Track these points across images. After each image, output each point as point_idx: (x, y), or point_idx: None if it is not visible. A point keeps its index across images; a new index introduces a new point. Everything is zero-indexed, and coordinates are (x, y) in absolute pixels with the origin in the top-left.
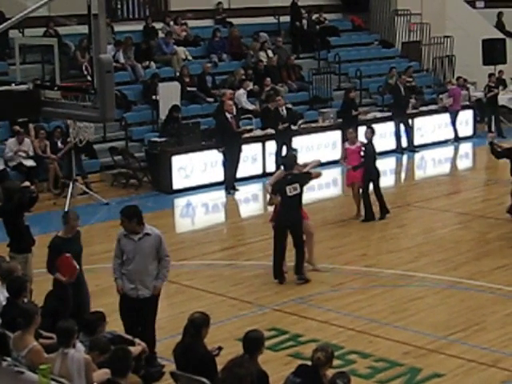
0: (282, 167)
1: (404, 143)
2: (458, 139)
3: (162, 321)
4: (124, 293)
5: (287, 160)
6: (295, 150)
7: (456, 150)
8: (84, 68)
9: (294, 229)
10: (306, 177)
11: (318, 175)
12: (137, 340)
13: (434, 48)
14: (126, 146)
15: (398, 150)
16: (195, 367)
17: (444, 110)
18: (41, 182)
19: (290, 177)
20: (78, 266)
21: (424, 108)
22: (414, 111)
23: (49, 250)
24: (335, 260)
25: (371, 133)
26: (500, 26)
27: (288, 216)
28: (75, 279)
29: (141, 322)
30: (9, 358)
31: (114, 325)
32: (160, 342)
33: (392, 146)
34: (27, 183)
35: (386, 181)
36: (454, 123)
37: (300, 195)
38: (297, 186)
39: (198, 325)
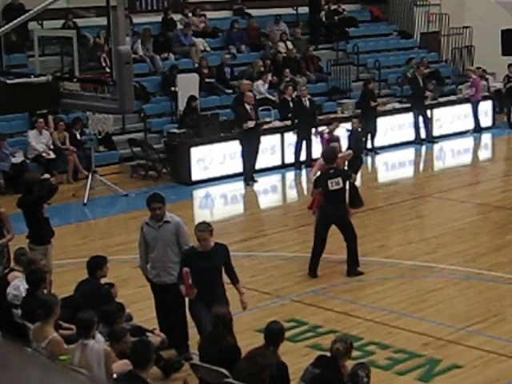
0: (323, 160)
1: (423, 134)
2: (479, 129)
3: None
4: (150, 280)
5: (328, 153)
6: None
7: (475, 140)
8: (103, 60)
9: (340, 223)
10: (345, 172)
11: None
12: (156, 331)
13: (452, 38)
14: (144, 138)
15: (417, 141)
16: (222, 359)
17: (464, 100)
18: (60, 174)
19: (332, 171)
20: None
21: (443, 99)
22: (433, 102)
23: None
24: None
25: (359, 123)
26: None
27: (332, 210)
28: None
29: (168, 310)
30: (29, 349)
31: (134, 316)
32: None
33: (411, 137)
34: (47, 175)
35: (405, 172)
36: (475, 113)
37: (343, 190)
38: (339, 180)
39: (227, 319)
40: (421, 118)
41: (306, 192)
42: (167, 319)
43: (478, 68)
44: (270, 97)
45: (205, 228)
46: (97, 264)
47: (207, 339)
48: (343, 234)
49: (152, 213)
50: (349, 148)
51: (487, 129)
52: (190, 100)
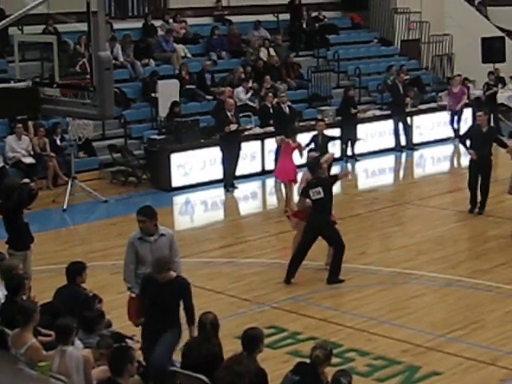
0: (308, 171)
1: (403, 141)
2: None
3: None
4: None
5: (310, 163)
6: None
7: (455, 147)
8: (78, 67)
9: (322, 232)
10: (327, 180)
11: (347, 174)
12: (135, 337)
13: (433, 46)
14: (125, 144)
15: (397, 148)
16: (206, 363)
17: (444, 108)
18: (40, 180)
19: (314, 180)
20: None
21: (423, 106)
22: (414, 109)
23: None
24: None
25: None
26: None
27: (315, 219)
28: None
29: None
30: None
31: (113, 322)
32: None
33: (391, 144)
34: (27, 180)
35: (385, 179)
36: (451, 122)
37: (325, 199)
38: (319, 189)
39: (215, 323)
40: (401, 125)
41: (285, 198)
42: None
43: (459, 76)
44: (251, 103)
45: (164, 265)
46: (76, 270)
47: (191, 344)
48: (329, 244)
49: (139, 225)
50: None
51: None
52: (173, 106)
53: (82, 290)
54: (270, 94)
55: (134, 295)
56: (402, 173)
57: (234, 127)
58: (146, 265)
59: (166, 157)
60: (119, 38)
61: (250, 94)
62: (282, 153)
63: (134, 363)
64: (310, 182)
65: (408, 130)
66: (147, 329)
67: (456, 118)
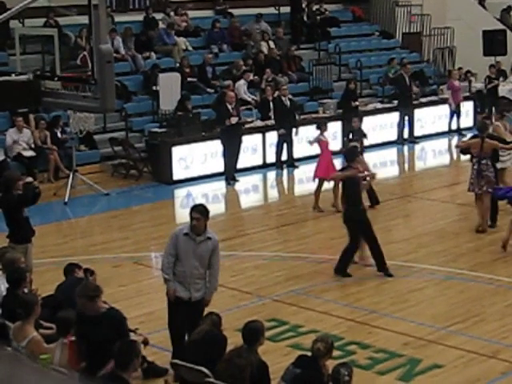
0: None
1: (405, 134)
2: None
3: (162, 311)
4: (176, 296)
5: (348, 151)
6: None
7: (456, 140)
8: (79, 60)
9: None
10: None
11: (373, 176)
12: (138, 330)
13: (434, 39)
14: (126, 137)
15: (399, 141)
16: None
17: (445, 101)
18: (41, 173)
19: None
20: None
21: (424, 99)
22: (415, 102)
23: None
24: (335, 251)
25: (359, 121)
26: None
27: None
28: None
29: (193, 326)
30: (9, 348)
31: None
32: (159, 333)
33: (392, 136)
34: (30, 179)
35: (387, 172)
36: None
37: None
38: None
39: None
40: (406, 118)
41: (287, 192)
42: (184, 336)
43: (460, 69)
44: (248, 98)
45: (92, 293)
46: (74, 267)
47: (195, 336)
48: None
49: (191, 222)
50: (352, 140)
51: (469, 129)
52: (183, 100)
53: (79, 279)
54: (269, 88)
55: (72, 339)
56: (403, 166)
57: (234, 120)
58: (183, 263)
59: (167, 150)
60: (120, 30)
61: (245, 86)
62: (322, 151)
63: (139, 358)
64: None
65: (413, 122)
66: (87, 374)
67: (455, 113)
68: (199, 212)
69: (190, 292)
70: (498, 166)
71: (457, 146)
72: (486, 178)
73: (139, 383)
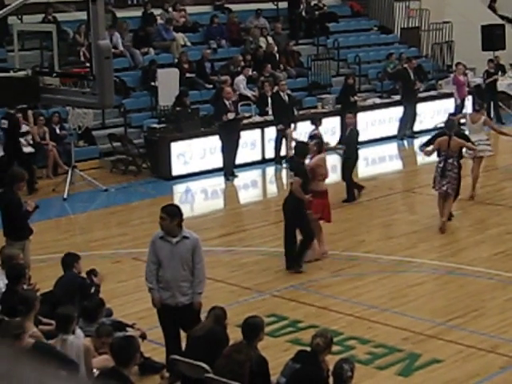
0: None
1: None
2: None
3: None
4: (162, 303)
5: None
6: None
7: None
8: (82, 54)
9: None
10: None
11: None
12: (135, 325)
13: (433, 34)
14: (124, 133)
15: (399, 136)
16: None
17: (444, 95)
18: (40, 169)
19: None
20: None
21: (423, 94)
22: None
23: None
24: (334, 246)
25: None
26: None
27: None
28: None
29: (183, 329)
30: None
31: (114, 311)
32: (158, 328)
33: (391, 131)
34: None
35: (386, 167)
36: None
37: None
38: None
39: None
40: (410, 112)
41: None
42: (179, 340)
43: (459, 63)
44: (246, 92)
45: (15, 332)
46: (72, 260)
47: (197, 332)
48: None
49: (159, 222)
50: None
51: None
52: (181, 95)
53: (77, 275)
54: (267, 83)
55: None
56: (402, 161)
57: (231, 116)
58: (165, 268)
59: (166, 145)
60: (110, 23)
61: (245, 82)
62: None
63: (139, 353)
64: None
65: (415, 117)
66: None
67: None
68: (165, 212)
69: (175, 297)
70: (478, 154)
71: (426, 153)
72: (449, 177)
73: (135, 379)
